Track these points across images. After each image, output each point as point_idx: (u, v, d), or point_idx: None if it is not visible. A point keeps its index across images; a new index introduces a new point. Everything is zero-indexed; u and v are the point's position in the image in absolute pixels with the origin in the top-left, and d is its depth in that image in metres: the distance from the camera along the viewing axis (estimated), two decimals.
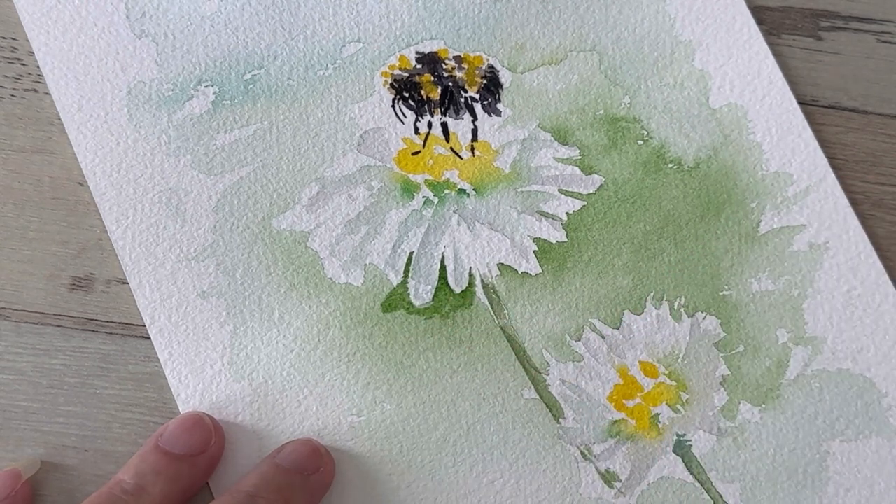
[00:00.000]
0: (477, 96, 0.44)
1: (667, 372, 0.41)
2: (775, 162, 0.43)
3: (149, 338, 0.40)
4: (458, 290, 0.41)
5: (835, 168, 0.43)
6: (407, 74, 0.44)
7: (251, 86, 0.43)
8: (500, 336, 0.41)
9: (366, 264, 0.41)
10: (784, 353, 0.41)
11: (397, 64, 0.44)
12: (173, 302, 0.40)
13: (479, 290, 0.41)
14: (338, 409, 0.40)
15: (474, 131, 0.43)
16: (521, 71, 0.44)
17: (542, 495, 0.39)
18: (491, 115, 0.43)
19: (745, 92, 0.44)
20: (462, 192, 0.42)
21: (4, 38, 0.43)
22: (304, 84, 0.43)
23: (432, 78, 0.44)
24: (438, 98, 0.43)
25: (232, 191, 0.42)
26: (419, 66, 0.44)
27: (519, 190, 0.42)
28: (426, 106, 0.43)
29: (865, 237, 0.43)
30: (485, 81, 0.44)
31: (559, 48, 0.44)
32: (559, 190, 0.43)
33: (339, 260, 0.41)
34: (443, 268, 0.41)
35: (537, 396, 0.40)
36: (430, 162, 0.43)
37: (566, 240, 0.42)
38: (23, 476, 0.38)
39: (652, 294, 0.42)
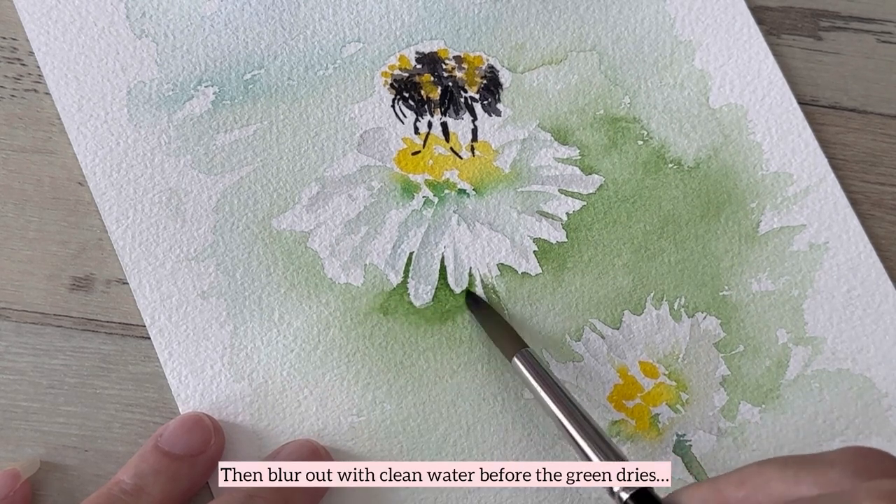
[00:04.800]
0: (477, 96, 0.44)
1: (667, 372, 0.41)
2: (775, 162, 0.43)
3: (149, 338, 0.40)
4: (458, 291, 0.41)
5: (835, 168, 0.43)
6: (407, 74, 0.44)
7: (251, 86, 0.43)
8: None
9: (366, 264, 0.41)
10: (784, 353, 0.41)
11: (397, 64, 0.44)
12: (173, 302, 0.40)
13: (479, 290, 0.41)
14: (338, 409, 0.40)
15: (474, 131, 0.43)
16: (521, 71, 0.44)
17: (542, 495, 0.39)
18: (491, 115, 0.43)
19: (745, 92, 0.44)
20: (462, 192, 0.42)
21: (4, 38, 0.43)
22: (304, 84, 0.43)
23: (432, 78, 0.44)
24: (438, 98, 0.43)
25: (232, 191, 0.42)
26: (419, 66, 0.44)
27: (519, 190, 0.42)
28: (426, 106, 0.43)
29: (865, 237, 0.43)
30: (485, 81, 0.44)
31: (559, 48, 0.44)
32: (559, 190, 0.43)
33: (339, 260, 0.41)
34: (443, 268, 0.41)
35: None
36: (430, 162, 0.43)
37: (566, 240, 0.42)
38: (22, 476, 0.38)
39: (652, 294, 0.42)
